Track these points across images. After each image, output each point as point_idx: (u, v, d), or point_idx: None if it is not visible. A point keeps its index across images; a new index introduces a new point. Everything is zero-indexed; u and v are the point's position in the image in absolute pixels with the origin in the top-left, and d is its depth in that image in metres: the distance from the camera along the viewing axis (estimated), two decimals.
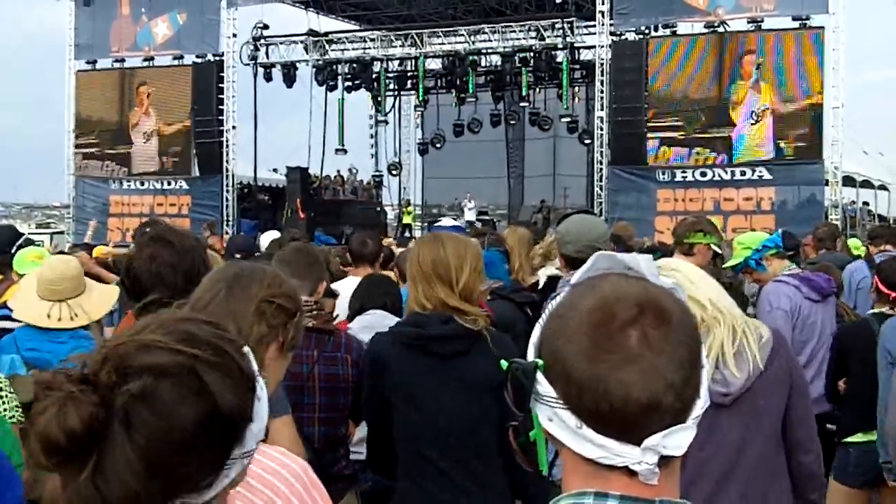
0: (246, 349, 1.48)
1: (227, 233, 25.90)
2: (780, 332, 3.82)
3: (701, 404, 1.44)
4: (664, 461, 1.41)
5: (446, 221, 8.82)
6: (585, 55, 28.67)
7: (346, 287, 6.60)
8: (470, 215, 30.37)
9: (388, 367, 3.89)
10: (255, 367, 1.48)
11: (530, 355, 1.51)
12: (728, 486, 3.59)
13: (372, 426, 4.06)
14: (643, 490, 1.41)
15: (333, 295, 4.56)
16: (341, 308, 5.74)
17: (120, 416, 1.30)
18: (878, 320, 5.93)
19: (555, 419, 1.44)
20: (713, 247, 6.28)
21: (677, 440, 1.40)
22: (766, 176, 23.05)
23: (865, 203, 31.01)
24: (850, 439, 5.89)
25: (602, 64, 25.21)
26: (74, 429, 1.27)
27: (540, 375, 1.46)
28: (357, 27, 34.66)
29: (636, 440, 1.39)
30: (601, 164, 25.21)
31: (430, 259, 3.86)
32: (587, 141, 28.98)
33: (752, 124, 23.26)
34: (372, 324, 5.30)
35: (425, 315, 3.86)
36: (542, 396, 1.45)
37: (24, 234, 7.14)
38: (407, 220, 35.00)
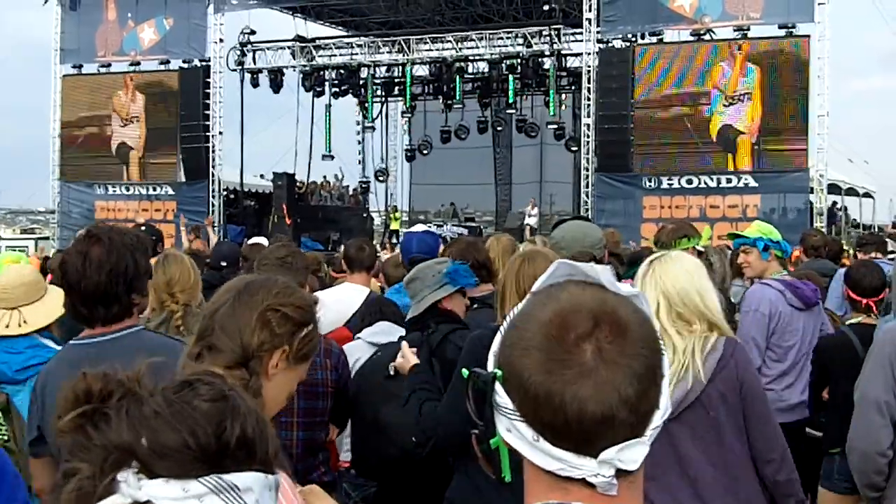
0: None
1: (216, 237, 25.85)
2: (747, 336, 3.85)
3: (660, 415, 1.44)
4: (623, 473, 1.41)
5: (419, 227, 8.83)
6: (572, 62, 28.77)
7: (342, 294, 6.59)
8: (531, 222, 30.21)
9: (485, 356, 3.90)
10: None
11: (490, 365, 1.50)
12: (683, 497, 3.60)
13: (448, 417, 4.04)
14: (604, 502, 1.41)
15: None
16: (334, 313, 5.76)
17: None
18: (856, 331, 5.94)
19: (513, 430, 1.44)
20: (697, 248, 6.31)
21: (632, 454, 1.40)
22: (752, 183, 23.12)
23: (838, 207, 31.06)
24: (834, 450, 5.92)
25: (589, 71, 25.24)
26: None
27: (498, 386, 1.45)
28: (344, 33, 34.68)
29: (593, 453, 1.38)
30: (588, 170, 25.24)
31: (533, 277, 3.88)
32: (574, 148, 29.02)
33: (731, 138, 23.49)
34: (384, 330, 5.42)
35: None
36: (501, 407, 1.45)
37: None
38: (394, 225, 34.99)
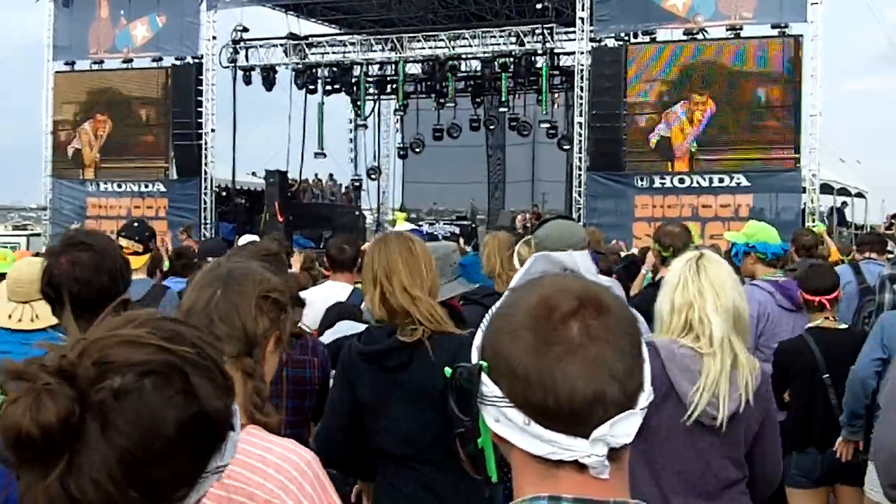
0: (225, 356, 1.43)
1: (205, 236, 25.82)
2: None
3: (646, 396, 1.44)
4: (613, 454, 1.40)
5: (406, 226, 8.80)
6: (565, 61, 28.74)
7: (325, 292, 6.62)
8: (527, 223, 30.10)
9: (353, 378, 3.97)
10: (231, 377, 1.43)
11: (474, 358, 1.50)
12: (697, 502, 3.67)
13: (346, 431, 4.06)
14: (596, 489, 1.40)
15: (301, 304, 4.57)
16: (317, 312, 5.80)
17: (97, 414, 1.22)
18: (815, 336, 5.96)
19: (502, 419, 1.43)
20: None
21: (625, 428, 1.40)
22: (744, 183, 23.14)
23: (838, 209, 31.10)
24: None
25: (581, 70, 25.25)
26: (49, 423, 1.18)
27: (484, 377, 1.45)
28: (337, 31, 34.65)
29: (584, 433, 1.38)
30: (580, 169, 25.26)
31: (386, 260, 3.92)
32: (566, 147, 29.02)
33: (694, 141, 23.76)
34: (343, 330, 5.43)
35: (378, 329, 3.95)
36: (488, 397, 1.44)
37: None
38: (399, 224, 34.76)
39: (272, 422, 2.46)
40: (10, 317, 4.37)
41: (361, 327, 5.46)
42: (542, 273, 1.54)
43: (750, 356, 3.76)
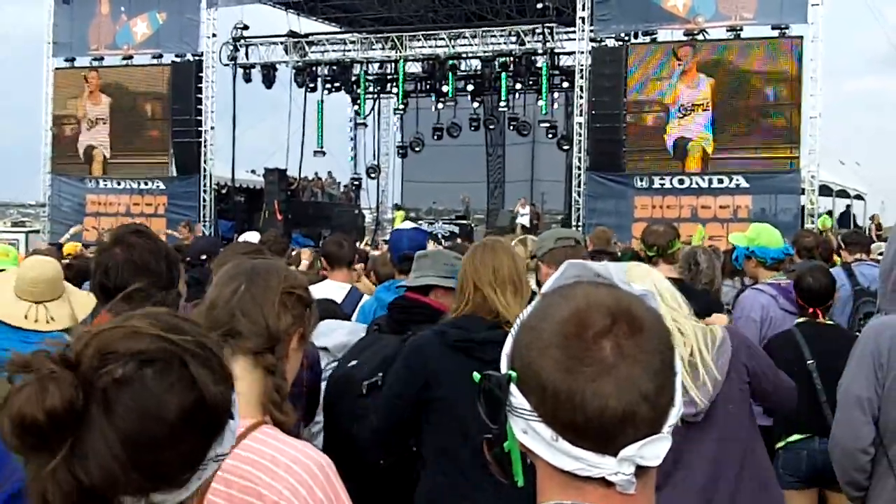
0: (226, 348, 1.46)
1: (204, 233, 25.79)
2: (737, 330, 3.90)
3: (675, 412, 1.43)
4: (640, 470, 1.40)
5: (407, 224, 8.75)
6: (565, 61, 28.72)
7: (323, 291, 6.57)
8: (523, 221, 29.89)
9: (432, 364, 3.93)
10: (231, 368, 1.46)
11: (503, 367, 1.49)
12: (714, 497, 3.65)
13: (393, 418, 4.04)
14: (619, 502, 1.40)
15: None
16: None
17: (100, 400, 1.27)
18: (803, 331, 5.98)
19: (529, 432, 1.42)
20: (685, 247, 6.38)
21: (654, 450, 1.39)
22: (744, 184, 23.13)
23: (845, 212, 31.12)
24: (778, 445, 5.96)
25: (581, 70, 25.25)
26: (55, 408, 1.23)
27: (514, 388, 1.44)
28: (337, 29, 34.62)
29: (612, 451, 1.38)
30: (579, 169, 25.25)
31: (508, 266, 4.00)
32: (566, 147, 29.02)
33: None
34: (323, 332, 5.40)
35: (470, 318, 3.94)
36: (516, 409, 1.44)
37: None
38: (398, 223, 34.67)
39: (290, 421, 2.44)
40: (25, 317, 4.34)
41: (340, 324, 5.44)
42: (575, 278, 1.52)
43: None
